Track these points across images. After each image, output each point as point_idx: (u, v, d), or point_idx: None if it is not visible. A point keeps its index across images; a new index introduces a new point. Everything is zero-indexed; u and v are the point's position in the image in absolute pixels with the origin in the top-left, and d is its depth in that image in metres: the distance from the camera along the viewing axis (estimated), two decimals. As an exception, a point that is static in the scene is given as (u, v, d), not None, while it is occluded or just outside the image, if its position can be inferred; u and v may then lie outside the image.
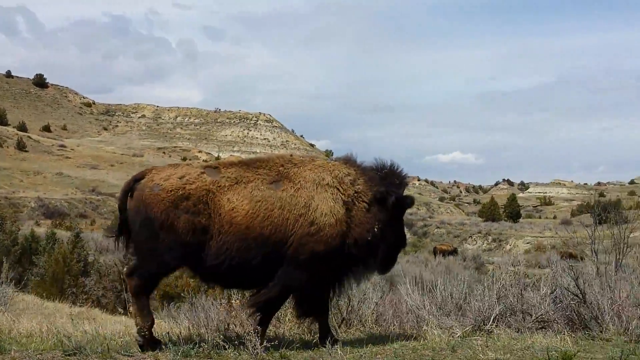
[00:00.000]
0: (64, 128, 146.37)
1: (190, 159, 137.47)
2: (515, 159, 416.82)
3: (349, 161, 6.73)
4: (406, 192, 6.63)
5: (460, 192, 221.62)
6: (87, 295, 17.37)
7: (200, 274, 6.44)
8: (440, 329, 6.67)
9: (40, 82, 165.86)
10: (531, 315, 6.67)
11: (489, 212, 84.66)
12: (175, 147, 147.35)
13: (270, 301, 6.28)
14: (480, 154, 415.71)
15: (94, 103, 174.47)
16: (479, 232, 67.90)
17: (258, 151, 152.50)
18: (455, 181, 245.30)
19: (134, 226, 6.23)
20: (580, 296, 6.62)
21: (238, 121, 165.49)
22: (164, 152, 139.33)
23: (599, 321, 6.49)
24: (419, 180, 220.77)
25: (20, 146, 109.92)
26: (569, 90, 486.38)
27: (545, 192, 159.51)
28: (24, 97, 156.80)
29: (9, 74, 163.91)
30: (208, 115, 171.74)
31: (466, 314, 6.96)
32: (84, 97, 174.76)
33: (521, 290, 6.88)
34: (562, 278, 7.06)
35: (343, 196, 6.30)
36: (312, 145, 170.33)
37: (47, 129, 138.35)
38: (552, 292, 6.98)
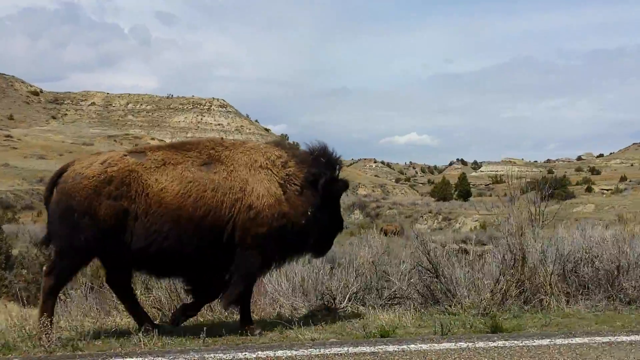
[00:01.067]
0: (11, 118, 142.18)
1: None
2: (469, 139, 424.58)
3: (280, 144, 6.74)
4: (342, 175, 6.60)
5: (416, 173, 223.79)
6: (6, 289, 17.13)
7: (132, 259, 6.14)
8: (292, 309, 6.82)
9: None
10: (386, 292, 6.91)
11: (441, 192, 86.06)
12: (126, 134, 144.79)
13: (240, 294, 6.21)
14: (435, 135, 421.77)
15: (41, 92, 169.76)
16: (430, 212, 68.96)
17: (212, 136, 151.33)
18: (410, 162, 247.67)
19: (54, 219, 6.01)
20: (433, 271, 6.87)
21: (191, 107, 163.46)
22: (115, 140, 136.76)
23: (449, 296, 6.74)
24: (375, 162, 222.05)
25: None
26: (520, 72, 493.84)
27: (497, 171, 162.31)
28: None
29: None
30: (160, 102, 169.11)
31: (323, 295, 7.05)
32: (30, 86, 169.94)
33: (379, 269, 7.09)
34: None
35: (277, 177, 6.22)
36: (268, 130, 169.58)
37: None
38: (413, 268, 7.19)
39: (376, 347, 5.28)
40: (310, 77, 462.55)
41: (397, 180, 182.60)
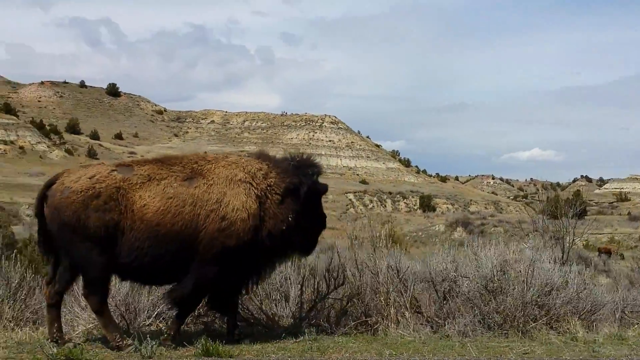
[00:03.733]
0: (136, 135, 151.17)
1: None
2: (596, 155, 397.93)
3: (261, 156, 6.99)
4: (323, 180, 6.95)
5: (537, 190, 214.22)
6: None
7: (117, 271, 6.47)
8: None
9: (113, 91, 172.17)
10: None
11: (552, 210, 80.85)
12: (242, 151, 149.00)
13: (184, 297, 6.35)
14: (560, 150, 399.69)
15: (165, 110, 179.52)
16: (536, 231, 64.79)
17: (323, 153, 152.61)
18: (531, 179, 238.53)
19: (55, 234, 6.29)
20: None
21: (304, 124, 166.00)
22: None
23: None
24: (493, 178, 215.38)
25: (92, 154, 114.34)
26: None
27: (622, 188, 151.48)
28: (97, 107, 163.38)
29: (82, 84, 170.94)
30: (275, 119, 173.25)
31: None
32: (155, 105, 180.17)
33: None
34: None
35: (256, 190, 6.47)
36: (378, 146, 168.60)
37: (119, 136, 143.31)
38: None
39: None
40: (427, 92, 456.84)
41: (515, 198, 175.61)
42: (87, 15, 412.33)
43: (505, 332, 6.50)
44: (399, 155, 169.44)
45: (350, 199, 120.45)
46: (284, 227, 6.47)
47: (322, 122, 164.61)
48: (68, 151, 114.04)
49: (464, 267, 7.19)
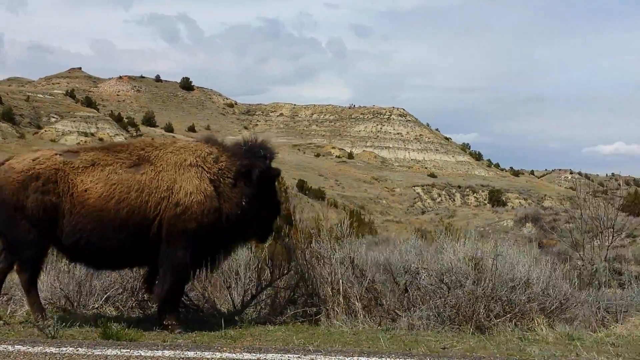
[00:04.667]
0: (208, 128, 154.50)
1: (323, 155, 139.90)
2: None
3: (210, 140, 6.89)
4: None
5: (619, 185, 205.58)
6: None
7: (63, 252, 6.66)
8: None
9: (186, 85, 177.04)
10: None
11: (632, 206, 77.36)
12: (310, 143, 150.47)
13: (167, 290, 6.39)
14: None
15: (236, 104, 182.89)
16: (611, 228, 62.19)
17: (391, 146, 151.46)
18: (613, 174, 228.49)
19: None
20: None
21: (371, 116, 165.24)
22: (298, 149, 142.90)
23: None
24: (571, 173, 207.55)
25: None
26: None
27: None
28: (171, 100, 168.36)
29: (158, 79, 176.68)
30: (342, 112, 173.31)
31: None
32: (226, 99, 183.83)
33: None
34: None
35: (208, 174, 6.43)
36: (448, 139, 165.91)
37: (192, 129, 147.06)
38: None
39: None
40: (506, 83, 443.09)
41: (595, 193, 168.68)
42: (165, 12, 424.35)
43: (458, 326, 6.30)
44: (469, 149, 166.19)
45: (417, 192, 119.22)
46: (239, 212, 6.38)
47: (390, 115, 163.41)
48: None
49: (432, 261, 7.00)
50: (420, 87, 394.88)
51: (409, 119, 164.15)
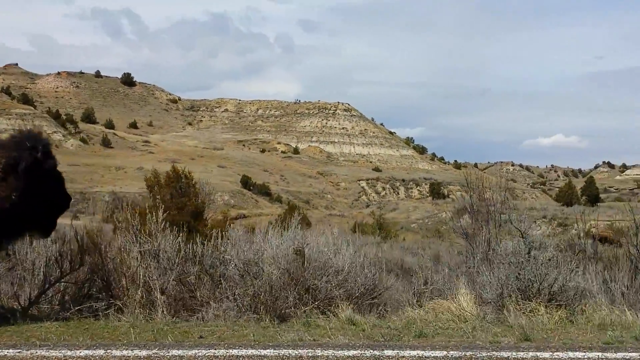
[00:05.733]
0: (150, 124, 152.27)
1: (269, 151, 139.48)
2: (620, 141, 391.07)
3: None
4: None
5: (558, 176, 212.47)
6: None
7: None
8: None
9: (128, 80, 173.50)
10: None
11: (566, 197, 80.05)
12: (255, 139, 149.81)
13: None
14: (583, 136, 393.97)
15: (179, 99, 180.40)
16: (544, 217, 64.11)
17: (336, 140, 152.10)
18: (552, 165, 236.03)
19: None
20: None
21: (317, 111, 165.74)
22: (243, 145, 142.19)
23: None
24: (512, 165, 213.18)
25: (106, 143, 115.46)
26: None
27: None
28: (112, 96, 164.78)
29: (98, 74, 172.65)
30: (288, 107, 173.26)
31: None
32: (170, 94, 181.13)
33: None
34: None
35: None
36: (392, 133, 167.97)
37: (134, 125, 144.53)
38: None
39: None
40: (451, 79, 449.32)
41: (533, 185, 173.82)
42: (108, 6, 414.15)
43: (257, 315, 6.32)
44: (413, 142, 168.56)
45: (362, 187, 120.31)
46: (8, 206, 6.15)
47: (335, 110, 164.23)
48: (83, 140, 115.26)
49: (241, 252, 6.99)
50: (368, 82, 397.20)
51: (354, 113, 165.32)
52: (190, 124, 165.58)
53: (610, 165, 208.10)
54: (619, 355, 5.36)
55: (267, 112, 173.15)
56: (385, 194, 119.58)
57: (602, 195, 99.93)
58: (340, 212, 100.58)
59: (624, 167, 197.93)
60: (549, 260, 7.17)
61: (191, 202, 14.83)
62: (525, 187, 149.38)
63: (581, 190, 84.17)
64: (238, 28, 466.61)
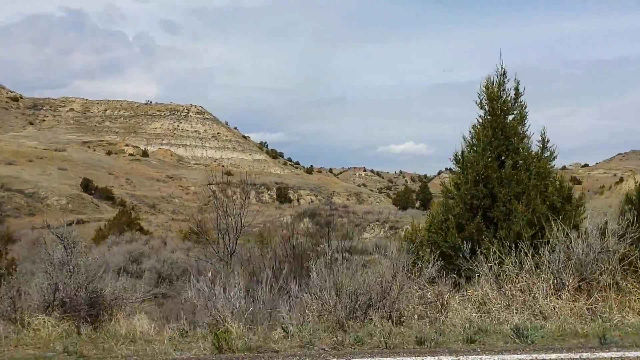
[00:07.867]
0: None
1: (116, 153, 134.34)
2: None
3: None
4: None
5: (406, 181, 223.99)
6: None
7: None
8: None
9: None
10: None
11: (402, 201, 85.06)
12: (101, 140, 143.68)
13: None
14: (431, 144, 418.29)
15: (21, 97, 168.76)
16: (377, 221, 67.89)
17: (188, 144, 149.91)
18: (401, 171, 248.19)
19: None
20: None
21: (169, 114, 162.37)
22: (89, 146, 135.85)
23: None
24: (364, 170, 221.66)
25: None
26: (521, 81, 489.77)
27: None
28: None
29: None
30: (138, 108, 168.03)
31: None
32: (10, 92, 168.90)
33: None
34: None
35: None
36: (246, 137, 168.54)
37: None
38: None
39: None
40: (309, 86, 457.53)
41: (380, 189, 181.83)
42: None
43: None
44: (266, 147, 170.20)
45: (213, 191, 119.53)
46: None
47: (188, 112, 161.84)
48: None
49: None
50: (229, 86, 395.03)
51: (207, 116, 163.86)
52: (31, 123, 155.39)
53: (452, 172, 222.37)
54: None
55: (116, 112, 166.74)
56: (236, 197, 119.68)
57: (435, 200, 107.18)
58: (186, 216, 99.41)
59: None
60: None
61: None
62: (370, 192, 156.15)
63: (416, 195, 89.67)
64: (96, 25, 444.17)
